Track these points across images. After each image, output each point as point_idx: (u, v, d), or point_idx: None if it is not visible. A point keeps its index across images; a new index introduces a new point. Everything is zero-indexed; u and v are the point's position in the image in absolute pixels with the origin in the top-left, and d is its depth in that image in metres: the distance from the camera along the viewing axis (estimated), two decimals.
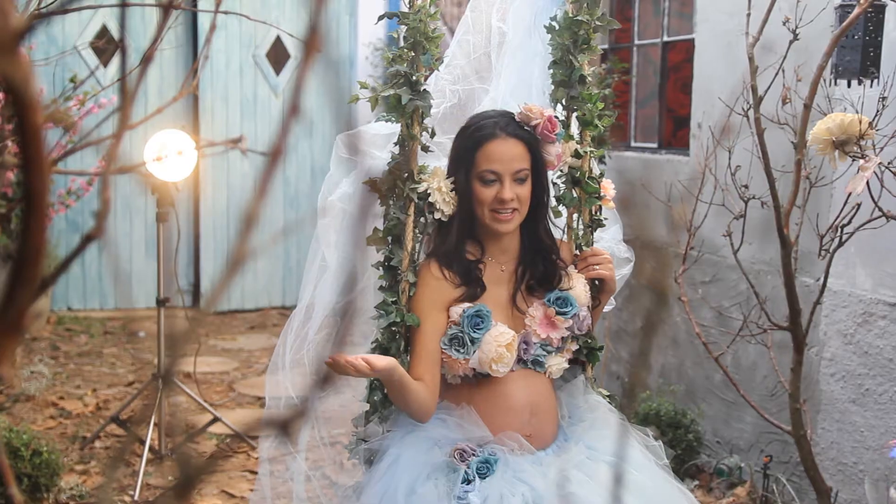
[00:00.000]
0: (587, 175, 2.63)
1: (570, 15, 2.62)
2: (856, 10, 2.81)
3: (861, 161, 2.56)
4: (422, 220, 2.50)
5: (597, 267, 2.53)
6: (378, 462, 2.38)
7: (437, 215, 2.47)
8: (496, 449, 2.33)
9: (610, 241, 2.75)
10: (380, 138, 2.57)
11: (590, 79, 2.66)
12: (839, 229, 2.95)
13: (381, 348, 2.44)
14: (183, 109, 7.53)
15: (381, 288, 2.49)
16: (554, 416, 2.48)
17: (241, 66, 7.84)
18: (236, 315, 7.80)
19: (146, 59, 0.84)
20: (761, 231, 3.82)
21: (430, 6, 2.51)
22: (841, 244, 3.00)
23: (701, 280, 4.63)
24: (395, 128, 2.56)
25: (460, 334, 2.37)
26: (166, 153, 4.18)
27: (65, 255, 0.61)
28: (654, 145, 5.44)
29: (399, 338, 2.44)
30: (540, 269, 2.49)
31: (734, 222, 3.35)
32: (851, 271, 3.70)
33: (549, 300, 2.46)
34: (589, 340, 2.60)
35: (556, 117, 2.52)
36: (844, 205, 2.89)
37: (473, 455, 2.31)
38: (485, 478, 2.27)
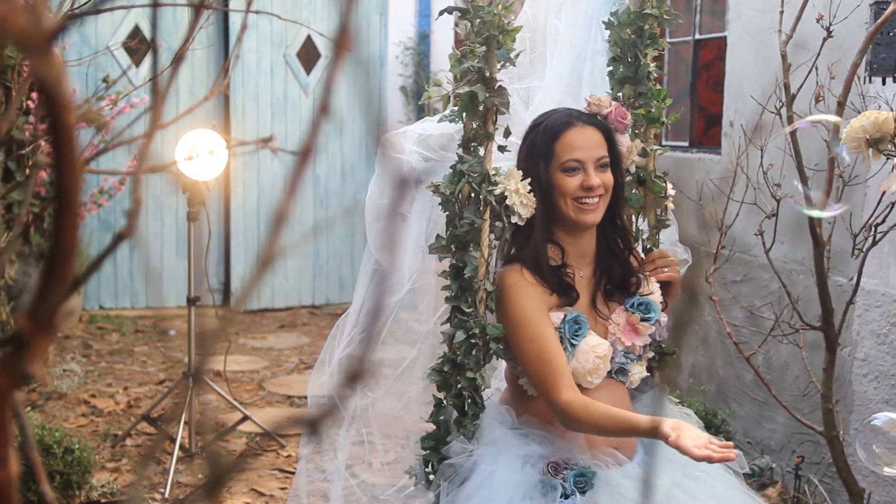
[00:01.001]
0: (653, 174, 2.57)
1: (634, 9, 2.54)
2: (891, 7, 2.77)
3: (895, 160, 2.53)
4: (497, 224, 2.39)
5: (665, 269, 2.47)
6: (468, 480, 2.25)
7: (514, 219, 2.35)
8: (590, 463, 2.24)
9: (667, 242, 2.69)
10: (432, 138, 2.50)
11: (654, 75, 2.60)
12: (873, 228, 2.92)
13: (454, 364, 2.34)
14: (214, 109, 7.57)
15: (448, 299, 2.38)
16: None
17: (271, 66, 7.87)
18: (266, 314, 7.83)
19: (178, 59, 0.84)
20: (793, 230, 3.78)
21: None
22: (875, 243, 2.97)
23: (732, 279, 4.60)
24: (442, 127, 2.48)
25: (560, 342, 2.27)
26: (197, 152, 4.20)
27: (97, 254, 0.62)
28: (686, 144, 5.41)
29: (477, 351, 2.33)
30: (617, 273, 2.40)
31: (766, 221, 3.32)
32: (885, 271, 3.66)
33: (630, 306, 2.38)
34: (662, 346, 2.52)
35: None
36: (878, 203, 2.86)
37: (566, 469, 2.22)
38: (584, 492, 2.19)
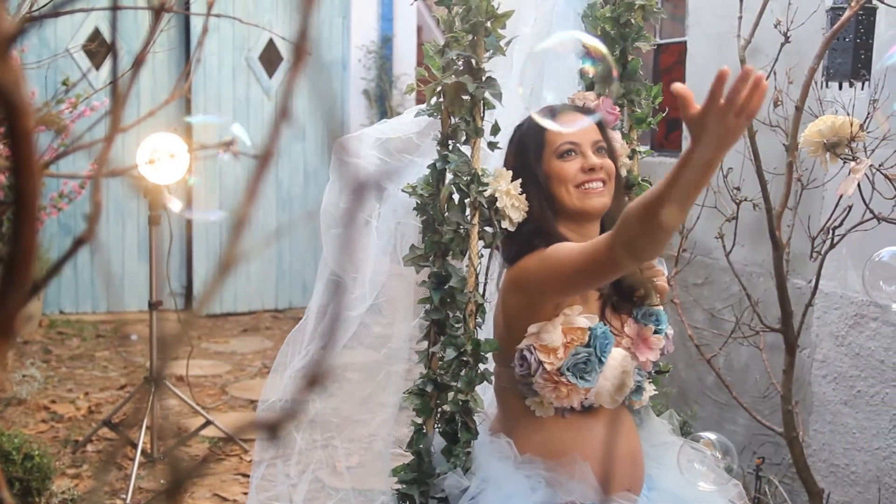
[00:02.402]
0: (640, 178, 2.44)
1: (607, 3, 2.40)
2: (847, 13, 2.81)
3: (852, 163, 2.57)
4: (487, 229, 2.17)
5: (655, 280, 2.28)
6: None
7: (505, 224, 2.13)
8: None
9: None
10: (391, 142, 2.36)
11: (641, 72, 2.45)
12: (831, 231, 2.95)
13: (438, 386, 2.13)
14: (175, 112, 7.52)
15: (428, 312, 2.17)
16: (642, 460, 2.18)
17: (233, 69, 7.84)
18: (229, 318, 7.79)
19: (138, 62, 0.84)
20: (753, 233, 3.82)
21: None
22: (832, 246, 3.00)
23: (693, 282, 4.63)
24: (401, 129, 2.36)
25: (590, 358, 2.02)
26: (158, 156, 4.17)
27: (56, 259, 0.62)
28: (647, 147, 5.44)
29: (468, 371, 2.12)
30: (625, 282, 2.17)
31: (726, 224, 3.36)
32: (843, 273, 3.71)
33: (641, 316, 2.18)
34: (660, 363, 2.34)
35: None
36: (836, 207, 2.89)
37: None
38: None
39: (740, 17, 3.17)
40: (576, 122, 2.05)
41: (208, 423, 4.66)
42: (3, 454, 3.78)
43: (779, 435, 3.30)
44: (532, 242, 2.08)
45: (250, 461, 4.62)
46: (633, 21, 2.42)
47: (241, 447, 4.73)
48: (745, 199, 3.25)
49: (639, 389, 2.18)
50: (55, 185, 6.12)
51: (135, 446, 4.30)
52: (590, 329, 2.04)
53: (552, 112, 2.15)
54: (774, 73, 3.12)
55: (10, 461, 3.79)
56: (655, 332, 2.18)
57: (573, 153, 2.12)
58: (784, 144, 3.06)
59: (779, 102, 3.14)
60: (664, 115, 2.53)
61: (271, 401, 2.50)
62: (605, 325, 2.09)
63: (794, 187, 3.02)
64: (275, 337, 7.14)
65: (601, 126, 2.19)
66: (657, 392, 2.31)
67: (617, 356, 2.07)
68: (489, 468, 2.09)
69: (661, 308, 2.21)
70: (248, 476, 4.45)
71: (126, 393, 5.61)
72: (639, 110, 2.44)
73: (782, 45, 3.09)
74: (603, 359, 2.03)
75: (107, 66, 7.43)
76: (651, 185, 2.40)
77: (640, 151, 2.45)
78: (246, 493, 4.25)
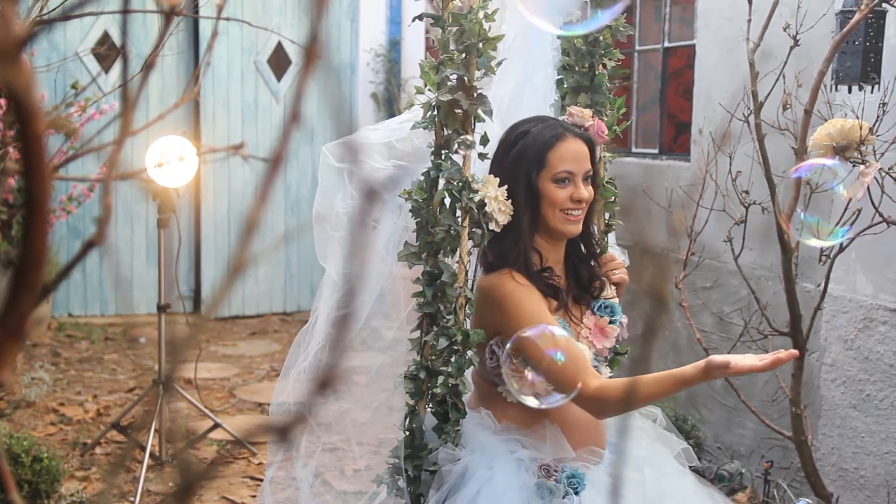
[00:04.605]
0: (604, 180, 2.62)
1: (580, 20, 2.59)
2: (856, 16, 2.81)
3: (861, 167, 2.57)
4: (476, 231, 2.37)
5: (615, 272, 2.52)
6: (463, 487, 2.23)
7: (492, 226, 2.34)
8: (577, 464, 2.27)
9: (609, 245, 2.75)
10: (377, 147, 2.51)
11: (607, 84, 2.66)
12: None
13: (429, 372, 2.34)
14: (184, 115, 7.54)
15: (421, 305, 2.37)
16: (604, 427, 2.42)
17: (242, 73, 7.85)
18: (237, 321, 7.80)
19: (147, 66, 0.84)
20: (762, 236, 3.82)
21: (487, 6, 2.36)
22: (841, 250, 3.00)
23: (702, 286, 4.63)
24: (397, 135, 2.50)
25: None
26: (167, 159, 4.18)
27: (66, 262, 0.62)
28: (655, 151, 5.44)
29: (458, 357, 2.32)
30: (584, 277, 2.45)
31: (735, 228, 3.35)
32: (852, 277, 3.70)
33: (597, 308, 2.43)
34: (617, 346, 2.55)
35: None
36: (845, 210, 2.89)
37: (557, 471, 2.24)
38: (578, 493, 2.21)
39: (749, 20, 3.17)
40: (576, 155, 2.31)
41: (216, 425, 4.67)
42: (13, 456, 3.79)
43: (787, 439, 3.29)
44: (507, 257, 2.31)
45: (259, 464, 4.62)
46: (601, 38, 2.63)
47: (250, 450, 4.74)
48: (754, 203, 3.25)
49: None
50: (64, 189, 6.14)
51: (143, 449, 4.31)
52: None
53: (561, 133, 2.33)
54: (783, 76, 3.12)
55: (20, 463, 3.81)
56: (611, 322, 2.42)
57: (567, 181, 2.31)
58: (793, 148, 3.06)
59: (788, 106, 3.13)
60: (628, 123, 2.71)
61: (281, 403, 2.53)
62: (562, 320, 2.31)
63: (802, 191, 3.01)
64: (283, 340, 7.15)
65: (592, 150, 2.38)
66: (613, 375, 2.52)
67: (580, 348, 2.27)
68: (475, 437, 2.31)
69: (615, 300, 2.45)
70: (256, 479, 4.46)
71: (135, 396, 5.62)
72: (605, 118, 2.63)
73: (791, 48, 3.09)
74: None
75: (116, 69, 7.45)
76: (614, 187, 2.66)
77: (605, 156, 2.66)
78: (254, 496, 4.26)
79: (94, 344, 6.93)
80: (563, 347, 2.07)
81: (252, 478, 4.49)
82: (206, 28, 7.41)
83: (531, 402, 2.12)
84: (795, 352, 1.99)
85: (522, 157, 2.33)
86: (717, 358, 2.00)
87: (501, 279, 2.28)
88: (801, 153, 2.97)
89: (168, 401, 4.48)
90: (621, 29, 2.64)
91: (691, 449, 2.55)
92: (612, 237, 2.76)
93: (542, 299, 2.28)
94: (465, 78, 2.34)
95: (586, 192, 2.31)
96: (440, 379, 2.32)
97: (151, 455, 4.39)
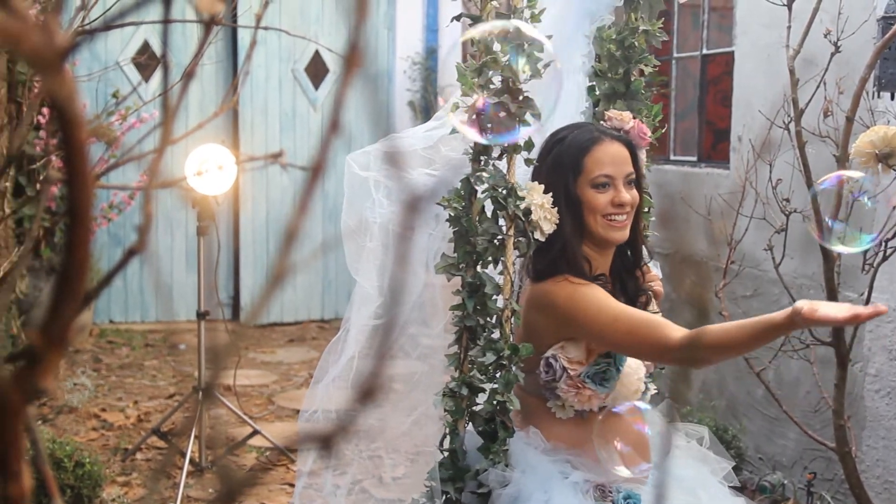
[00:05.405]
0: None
1: (621, 25, 2.54)
2: None
3: None
4: (521, 240, 2.26)
5: (651, 284, 2.44)
6: None
7: (536, 235, 2.24)
8: (630, 483, 2.20)
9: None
10: (410, 154, 2.43)
11: (643, 91, 2.60)
12: (883, 243, 2.91)
13: (471, 387, 2.24)
14: (223, 124, 7.60)
15: (461, 318, 2.27)
16: (649, 445, 2.33)
17: (280, 81, 7.90)
18: (275, 328, 7.84)
19: (187, 75, 0.85)
20: (803, 245, 3.78)
21: (534, 5, 2.28)
22: (885, 258, 2.96)
23: (742, 294, 4.59)
24: (423, 142, 2.42)
25: (609, 367, 2.20)
26: (207, 167, 4.21)
27: (107, 269, 0.62)
28: (694, 158, 5.40)
29: (505, 373, 2.21)
30: (631, 289, 2.35)
31: (775, 236, 3.32)
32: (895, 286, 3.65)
33: None
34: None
35: None
36: (888, 219, 2.85)
37: (612, 491, 2.17)
38: None
39: (789, 27, 3.14)
40: (614, 158, 2.24)
41: (256, 432, 4.69)
42: (56, 461, 3.83)
43: (831, 450, 3.25)
44: (558, 265, 2.23)
45: (297, 471, 4.64)
46: (636, 43, 2.56)
47: (289, 457, 4.75)
48: (795, 211, 3.22)
49: (646, 390, 2.36)
50: (105, 196, 6.21)
51: (184, 455, 4.34)
52: None
53: (597, 136, 2.27)
54: (824, 84, 3.09)
55: (62, 468, 3.85)
56: None
57: (607, 185, 2.24)
58: (835, 155, 3.03)
59: (829, 113, 3.10)
60: (663, 130, 2.66)
61: (312, 411, 2.51)
62: None
63: (844, 199, 2.98)
64: (321, 347, 7.12)
65: (633, 152, 2.31)
66: (657, 391, 2.51)
67: (633, 364, 2.24)
68: (524, 457, 2.22)
69: (659, 314, 2.36)
70: (294, 486, 4.47)
71: (175, 402, 5.66)
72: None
73: (832, 54, 3.06)
74: (620, 367, 2.20)
75: (156, 78, 7.53)
76: (650, 196, 2.57)
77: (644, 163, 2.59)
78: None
79: (135, 350, 6.99)
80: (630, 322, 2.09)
81: (291, 485, 4.51)
82: (244, 37, 7.46)
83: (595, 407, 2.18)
84: (883, 308, 1.81)
85: (559, 163, 2.27)
86: (804, 303, 1.86)
87: (558, 284, 2.20)
88: (842, 161, 2.93)
89: (208, 407, 4.51)
90: (656, 34, 2.57)
91: (732, 471, 2.47)
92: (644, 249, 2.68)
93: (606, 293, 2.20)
94: (511, 80, 2.24)
95: (628, 195, 2.23)
96: (485, 396, 2.24)
97: (192, 461, 4.41)
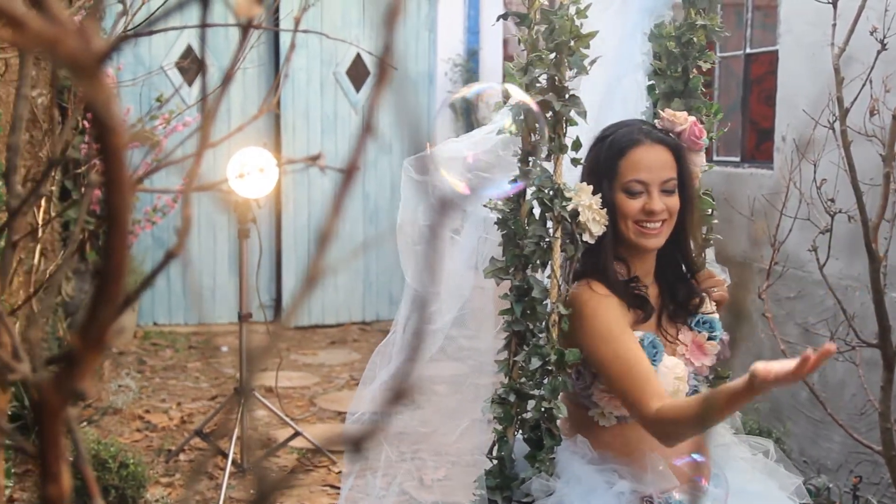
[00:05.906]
0: (701, 192, 2.43)
1: (682, 21, 2.46)
2: None
3: None
4: (569, 243, 2.20)
5: (714, 289, 2.34)
6: None
7: (585, 237, 2.17)
8: (681, 494, 2.12)
9: (707, 261, 2.57)
10: (454, 161, 2.33)
11: (702, 89, 2.50)
12: None
13: (519, 395, 2.21)
14: (264, 127, 7.65)
15: (509, 324, 2.23)
16: (708, 456, 2.25)
17: (321, 84, 7.94)
18: (316, 330, 7.87)
19: (228, 78, 0.85)
20: (848, 246, 3.73)
21: (579, 1, 2.20)
22: None
23: (786, 296, 4.53)
24: (480, 147, 2.35)
25: None
26: (248, 170, 4.24)
27: (149, 271, 0.63)
28: (737, 158, 5.36)
29: (552, 379, 2.16)
30: (682, 293, 2.26)
31: (820, 237, 3.28)
32: None
33: (695, 324, 2.25)
34: (717, 368, 2.37)
35: None
36: None
37: (660, 502, 2.10)
38: None
39: (834, 25, 3.10)
40: (651, 163, 2.15)
41: (297, 434, 4.71)
42: (100, 462, 3.88)
43: (877, 453, 3.20)
44: (586, 268, 2.19)
45: (338, 472, 4.66)
46: (694, 40, 2.45)
47: (330, 458, 4.77)
48: (840, 211, 3.18)
49: (696, 393, 2.24)
50: (149, 200, 6.28)
51: (225, 456, 4.37)
52: (640, 340, 2.11)
53: (636, 138, 2.18)
54: (871, 82, 3.05)
55: (107, 469, 3.89)
56: (710, 338, 2.25)
57: (640, 192, 2.16)
58: (881, 154, 2.98)
59: (875, 111, 3.06)
60: (725, 130, 2.55)
61: (359, 413, 2.50)
62: (654, 334, 2.17)
63: (891, 198, 2.94)
64: (362, 349, 7.19)
65: (679, 156, 2.21)
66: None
67: (668, 363, 2.14)
68: (569, 467, 2.16)
69: (715, 315, 2.28)
70: (335, 487, 4.49)
71: (217, 404, 5.71)
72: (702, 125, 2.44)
73: (879, 52, 3.01)
74: (655, 367, 2.09)
75: (199, 82, 7.60)
76: (711, 198, 2.47)
77: (702, 166, 2.44)
78: None
79: (178, 352, 7.06)
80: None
81: (332, 486, 4.52)
82: (285, 40, 7.51)
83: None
84: (832, 348, 1.67)
85: (596, 165, 2.21)
86: (759, 365, 1.78)
87: (578, 289, 2.16)
88: (889, 160, 2.89)
89: (249, 409, 4.54)
90: (717, 29, 2.46)
91: (802, 485, 2.38)
92: (710, 253, 2.56)
93: (624, 310, 2.13)
94: (556, 78, 2.18)
95: (661, 203, 2.13)
96: (532, 403, 2.19)
97: (233, 462, 4.45)
